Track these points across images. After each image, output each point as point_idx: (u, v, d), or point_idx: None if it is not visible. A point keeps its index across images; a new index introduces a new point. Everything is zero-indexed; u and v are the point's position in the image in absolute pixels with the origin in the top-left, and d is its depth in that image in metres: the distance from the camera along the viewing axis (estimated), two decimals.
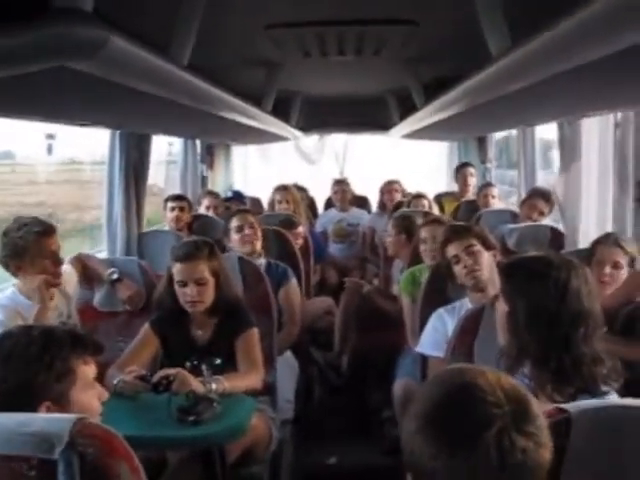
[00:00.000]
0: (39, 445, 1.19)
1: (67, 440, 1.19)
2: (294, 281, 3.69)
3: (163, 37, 2.21)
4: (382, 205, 6.40)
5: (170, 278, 2.72)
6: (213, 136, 6.16)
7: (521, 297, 1.66)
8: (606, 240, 2.89)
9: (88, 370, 1.66)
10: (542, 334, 1.60)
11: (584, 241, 3.61)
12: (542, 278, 1.64)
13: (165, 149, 6.50)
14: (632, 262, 2.84)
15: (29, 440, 1.20)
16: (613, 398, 1.56)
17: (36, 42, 1.29)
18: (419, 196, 5.40)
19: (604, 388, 1.58)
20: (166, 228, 4.78)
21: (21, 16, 1.27)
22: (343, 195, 6.33)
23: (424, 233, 3.57)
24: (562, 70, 1.86)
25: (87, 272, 3.23)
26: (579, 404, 1.26)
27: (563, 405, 1.26)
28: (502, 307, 1.72)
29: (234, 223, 3.75)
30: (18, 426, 1.23)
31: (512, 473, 0.98)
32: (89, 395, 1.66)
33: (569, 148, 3.75)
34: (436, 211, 5.37)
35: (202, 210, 5.38)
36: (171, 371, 2.36)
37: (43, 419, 1.28)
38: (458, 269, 2.75)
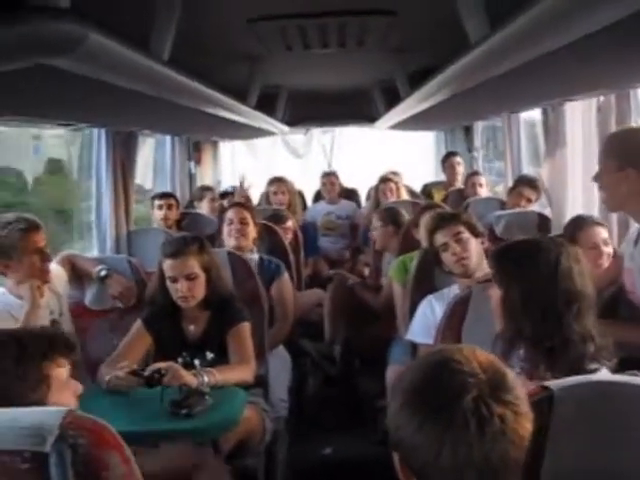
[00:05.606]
0: (31, 439, 1.20)
1: (58, 432, 1.20)
2: (286, 276, 3.68)
3: (142, 32, 2.21)
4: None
5: (162, 274, 2.73)
6: (199, 132, 6.15)
7: (514, 280, 1.69)
8: (584, 224, 2.91)
9: (61, 372, 1.70)
10: (537, 314, 1.63)
11: None
12: (532, 260, 1.68)
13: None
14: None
15: (20, 434, 1.20)
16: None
17: (12, 39, 1.29)
18: (387, 179, 5.61)
19: (593, 366, 1.59)
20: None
21: None
22: (332, 187, 6.35)
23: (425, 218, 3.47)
24: (541, 53, 1.88)
25: (76, 271, 3.23)
26: (562, 381, 1.28)
27: (546, 383, 1.27)
28: (496, 293, 1.74)
29: (227, 215, 3.77)
30: (8, 421, 1.24)
31: (492, 441, 1.00)
32: (65, 395, 1.69)
33: (553, 134, 3.76)
34: (404, 193, 5.58)
35: (205, 203, 5.43)
36: (163, 364, 2.37)
37: (32, 413, 1.28)
38: (446, 256, 2.73)
